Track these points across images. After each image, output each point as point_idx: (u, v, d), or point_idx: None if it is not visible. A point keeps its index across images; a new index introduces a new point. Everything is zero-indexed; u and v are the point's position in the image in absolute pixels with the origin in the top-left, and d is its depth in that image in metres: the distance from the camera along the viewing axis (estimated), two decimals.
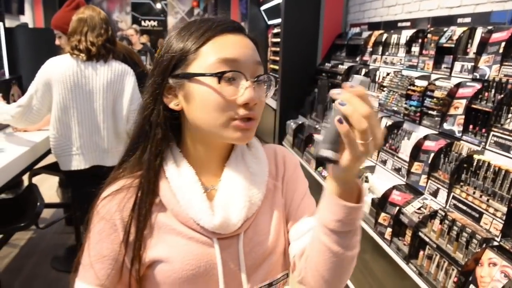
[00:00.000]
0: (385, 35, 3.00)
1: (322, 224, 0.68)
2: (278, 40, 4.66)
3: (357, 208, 0.65)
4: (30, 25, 6.14)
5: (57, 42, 2.36)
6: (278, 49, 4.73)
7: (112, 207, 0.73)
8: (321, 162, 3.11)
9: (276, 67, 5.07)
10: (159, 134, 0.74)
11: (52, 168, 2.72)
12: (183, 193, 0.73)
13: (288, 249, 0.83)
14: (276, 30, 5.67)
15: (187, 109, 0.73)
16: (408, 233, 1.88)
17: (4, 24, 3.09)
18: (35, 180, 2.78)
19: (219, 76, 0.69)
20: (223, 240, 0.74)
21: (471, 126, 1.86)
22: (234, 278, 0.75)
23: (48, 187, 3.76)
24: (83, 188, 2.23)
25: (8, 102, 2.49)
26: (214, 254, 0.73)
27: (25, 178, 2.93)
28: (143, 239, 0.72)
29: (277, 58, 4.83)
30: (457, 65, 2.11)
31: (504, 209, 1.51)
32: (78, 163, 2.12)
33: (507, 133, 1.63)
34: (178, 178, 0.74)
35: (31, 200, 2.09)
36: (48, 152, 2.43)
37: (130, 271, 0.73)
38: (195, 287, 0.73)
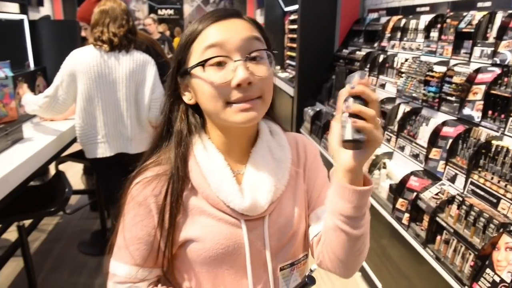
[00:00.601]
0: (403, 20, 2.97)
1: (338, 212, 0.72)
2: (295, 27, 4.65)
3: (368, 190, 0.70)
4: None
5: (83, 33, 2.43)
6: (295, 36, 4.72)
7: (147, 192, 0.77)
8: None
9: (294, 54, 5.06)
10: (184, 128, 0.80)
11: (78, 156, 2.82)
12: (214, 177, 0.77)
13: (308, 232, 0.88)
14: (293, 17, 5.63)
15: (198, 101, 0.79)
16: (426, 218, 1.90)
17: (28, 17, 3.17)
18: (60, 167, 2.88)
19: (202, 64, 0.72)
20: (250, 222, 0.79)
21: (490, 112, 1.85)
22: (260, 257, 0.80)
23: (73, 174, 3.89)
24: (108, 174, 2.33)
25: (34, 93, 2.57)
26: (241, 235, 0.78)
27: (51, 166, 3.05)
28: (177, 222, 0.77)
29: (294, 45, 4.82)
30: (477, 50, 2.09)
31: None
32: (103, 151, 2.20)
33: None
34: (208, 163, 0.79)
35: (59, 186, 2.18)
36: (74, 140, 2.51)
37: (164, 252, 0.78)
38: (223, 265, 0.78)
